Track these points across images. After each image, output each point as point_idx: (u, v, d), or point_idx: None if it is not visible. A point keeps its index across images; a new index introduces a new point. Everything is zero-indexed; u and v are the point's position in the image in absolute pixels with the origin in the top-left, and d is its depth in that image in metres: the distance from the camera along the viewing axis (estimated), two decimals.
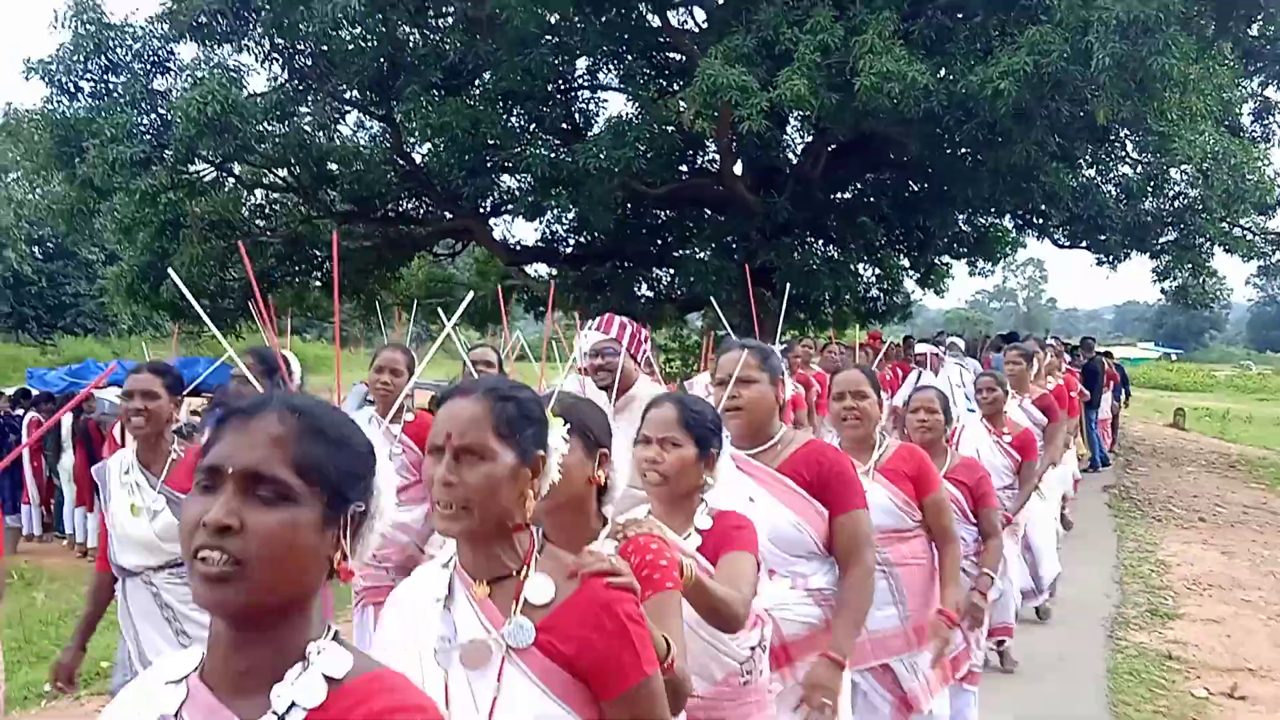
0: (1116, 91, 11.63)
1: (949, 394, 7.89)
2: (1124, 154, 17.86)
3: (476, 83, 15.03)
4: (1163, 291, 21.50)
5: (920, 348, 10.33)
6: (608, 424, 2.29)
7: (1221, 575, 8.82)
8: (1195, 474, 17.06)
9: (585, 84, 17.40)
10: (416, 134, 14.23)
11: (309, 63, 15.19)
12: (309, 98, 15.31)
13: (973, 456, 5.46)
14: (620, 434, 2.36)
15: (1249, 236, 20.49)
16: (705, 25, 15.72)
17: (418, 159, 16.41)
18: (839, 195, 19.05)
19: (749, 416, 3.17)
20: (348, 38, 14.34)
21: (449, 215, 16.94)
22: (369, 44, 14.53)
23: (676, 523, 2.62)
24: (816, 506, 3.11)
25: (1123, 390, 16.89)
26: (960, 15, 13.77)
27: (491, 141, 14.60)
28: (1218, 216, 18.46)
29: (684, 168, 17.51)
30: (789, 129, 18.26)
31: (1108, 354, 17.82)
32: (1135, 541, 10.32)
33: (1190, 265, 20.17)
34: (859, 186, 19.60)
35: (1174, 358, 73.81)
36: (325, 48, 14.24)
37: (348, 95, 15.45)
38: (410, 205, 17.91)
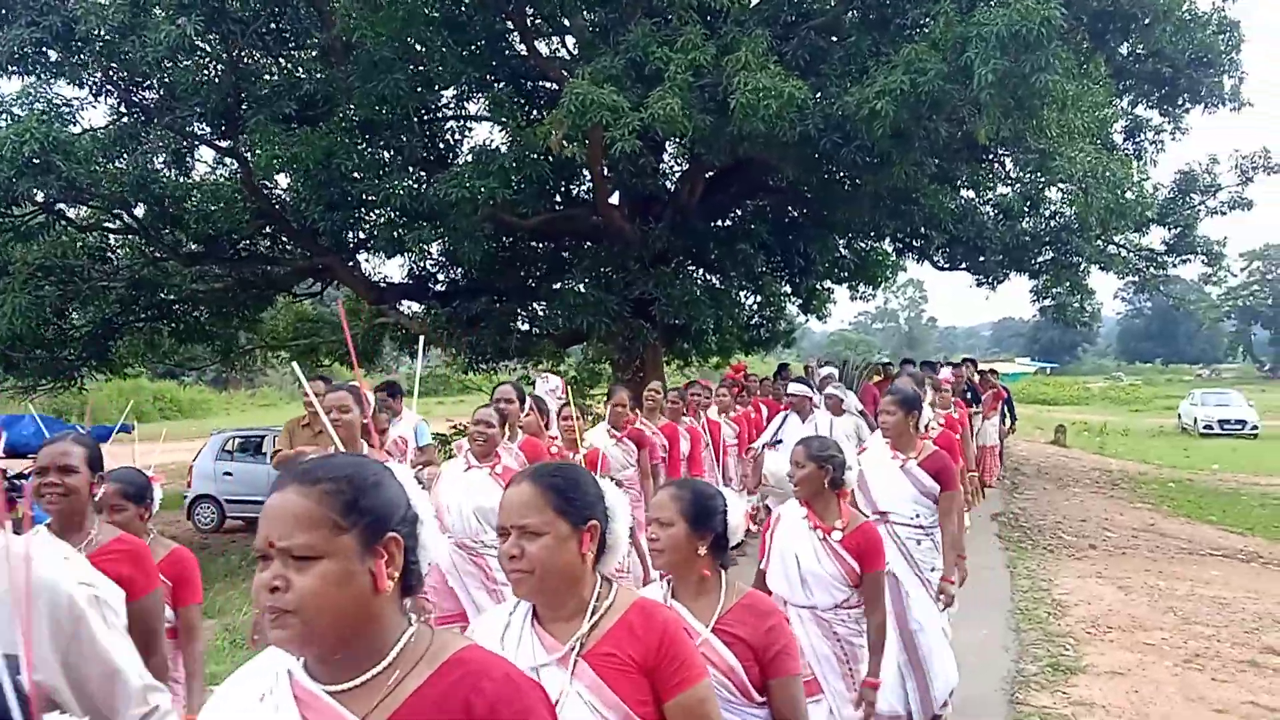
0: (997, 109, 11.30)
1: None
2: (1002, 174, 17.74)
3: (334, 114, 14.07)
4: (1041, 310, 21.61)
5: (793, 388, 9.47)
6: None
7: (1121, 615, 8.41)
8: (1081, 495, 16.98)
9: (450, 113, 16.59)
10: (264, 168, 13.19)
11: (150, 95, 14.12)
12: (150, 132, 14.18)
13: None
14: None
15: (1123, 253, 20.70)
16: (575, 52, 15.10)
17: (273, 195, 15.40)
18: (718, 223, 18.57)
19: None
20: (191, 66, 13.32)
21: (307, 253, 15.93)
22: (212, 74, 13.52)
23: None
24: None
25: (1008, 411, 16.66)
26: (834, 36, 13.39)
27: (349, 174, 13.71)
28: (1094, 235, 18.53)
29: (558, 198, 16.82)
30: (666, 156, 17.75)
31: (992, 372, 17.62)
32: (1029, 579, 9.89)
33: (1067, 284, 20.29)
34: (738, 213, 19.16)
35: (1049, 371, 75.74)
36: (167, 79, 13.22)
37: (192, 129, 14.37)
38: (265, 244, 16.83)
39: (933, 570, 5.38)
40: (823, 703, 4.11)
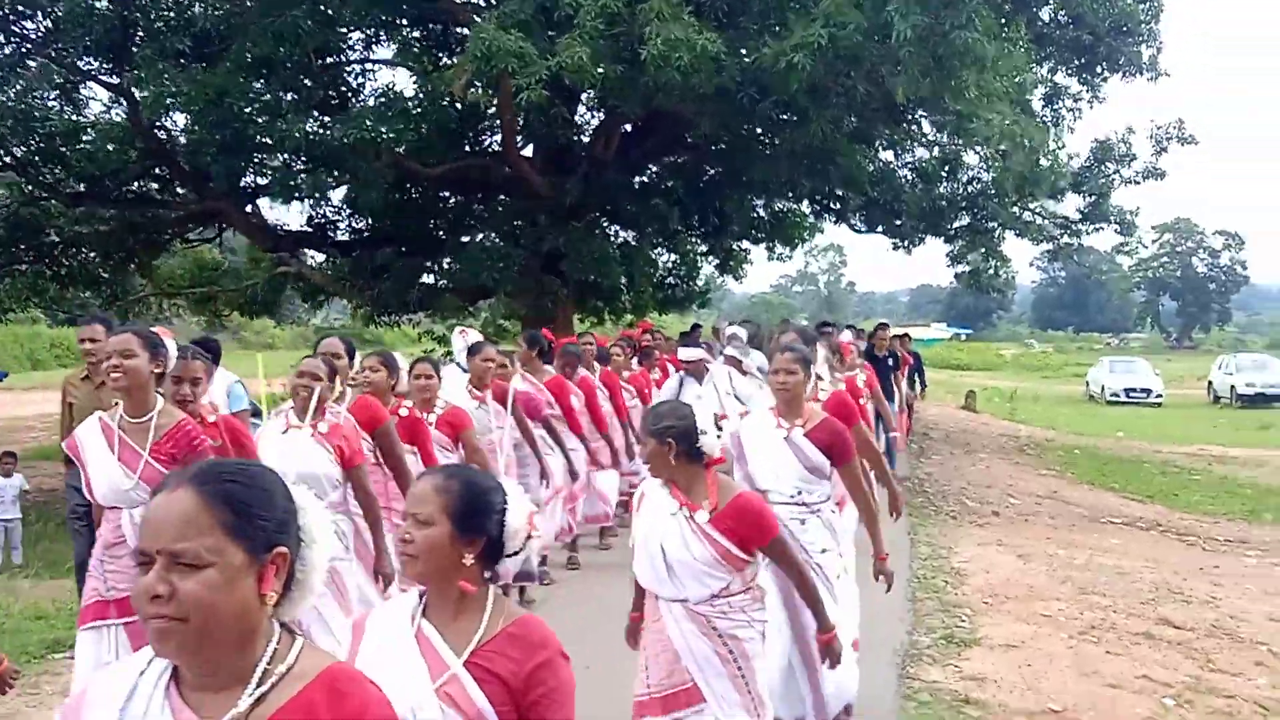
0: (916, 68, 11.04)
1: (718, 403, 6.85)
2: (921, 136, 17.56)
3: (230, 52, 13.33)
4: (956, 276, 21.61)
5: (684, 353, 8.98)
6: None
7: (1019, 584, 8.29)
8: (987, 460, 17.02)
9: (356, 56, 15.89)
10: (151, 106, 12.47)
11: (31, 25, 13.30)
12: (31, 65, 13.34)
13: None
14: None
15: (1038, 221, 20.74)
16: None
17: (166, 136, 14.64)
18: (634, 179, 18.17)
19: None
20: None
21: (199, 197, 15.20)
22: (101, 5, 12.73)
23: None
24: None
25: (917, 377, 16.57)
26: None
27: (244, 115, 13.01)
28: (1010, 201, 18.50)
29: (467, 147, 16.28)
30: (581, 108, 17.29)
31: (904, 336, 17.53)
32: (929, 546, 9.77)
33: (983, 250, 20.28)
34: (654, 169, 18.81)
35: (964, 338, 76.85)
36: (52, 8, 12.44)
37: (78, 64, 13.56)
38: (155, 187, 16.04)
39: (824, 552, 4.78)
40: (706, 713, 3.67)
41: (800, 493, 4.76)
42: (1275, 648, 7.09)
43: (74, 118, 14.20)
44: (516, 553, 2.39)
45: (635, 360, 10.73)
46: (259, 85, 13.46)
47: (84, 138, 13.78)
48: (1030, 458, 18.26)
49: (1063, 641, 6.81)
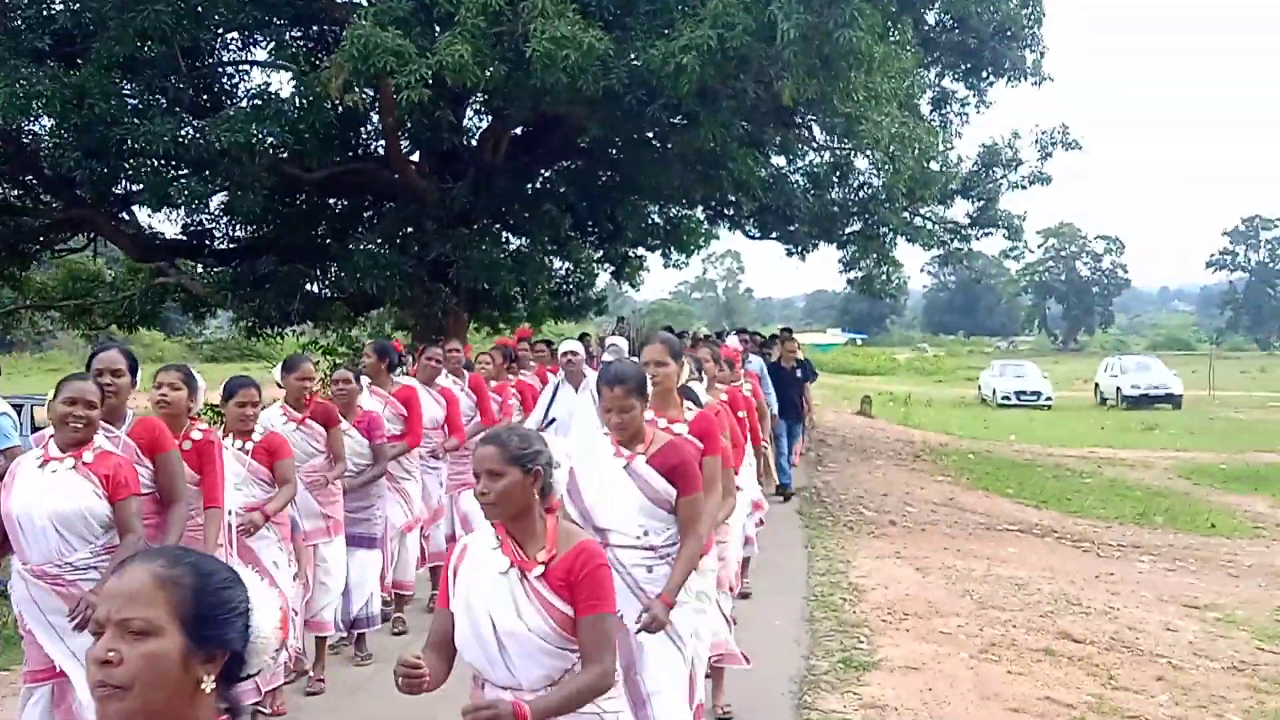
0: (802, 69, 10.83)
1: (593, 414, 6.34)
2: (811, 139, 17.43)
3: (92, 51, 12.51)
4: (849, 281, 21.59)
5: (564, 345, 8.47)
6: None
7: (918, 600, 8.07)
8: (884, 467, 16.96)
9: (228, 56, 15.15)
10: (3, 108, 11.63)
11: None
12: None
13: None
14: None
15: (929, 226, 20.82)
16: None
17: (24, 140, 13.75)
18: (526, 185, 17.71)
19: None
20: None
21: (62, 205, 14.32)
22: None
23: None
24: None
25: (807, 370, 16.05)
26: None
27: (106, 118, 12.21)
28: (901, 206, 18.51)
29: (350, 151, 15.66)
30: (469, 113, 16.80)
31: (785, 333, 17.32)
32: (826, 559, 9.52)
33: (875, 255, 20.27)
34: (545, 175, 18.38)
35: (859, 343, 77.76)
36: None
37: None
38: (15, 194, 15.09)
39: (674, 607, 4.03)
40: None
41: (646, 533, 3.99)
42: (1175, 660, 6.97)
43: None
44: (257, 673, 1.81)
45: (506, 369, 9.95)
46: (126, 86, 12.70)
47: None
48: (926, 463, 18.27)
49: (963, 662, 6.57)
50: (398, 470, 7.12)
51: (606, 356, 8.17)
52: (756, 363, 12.06)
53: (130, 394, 4.71)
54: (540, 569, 2.90)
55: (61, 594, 4.17)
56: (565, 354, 8.33)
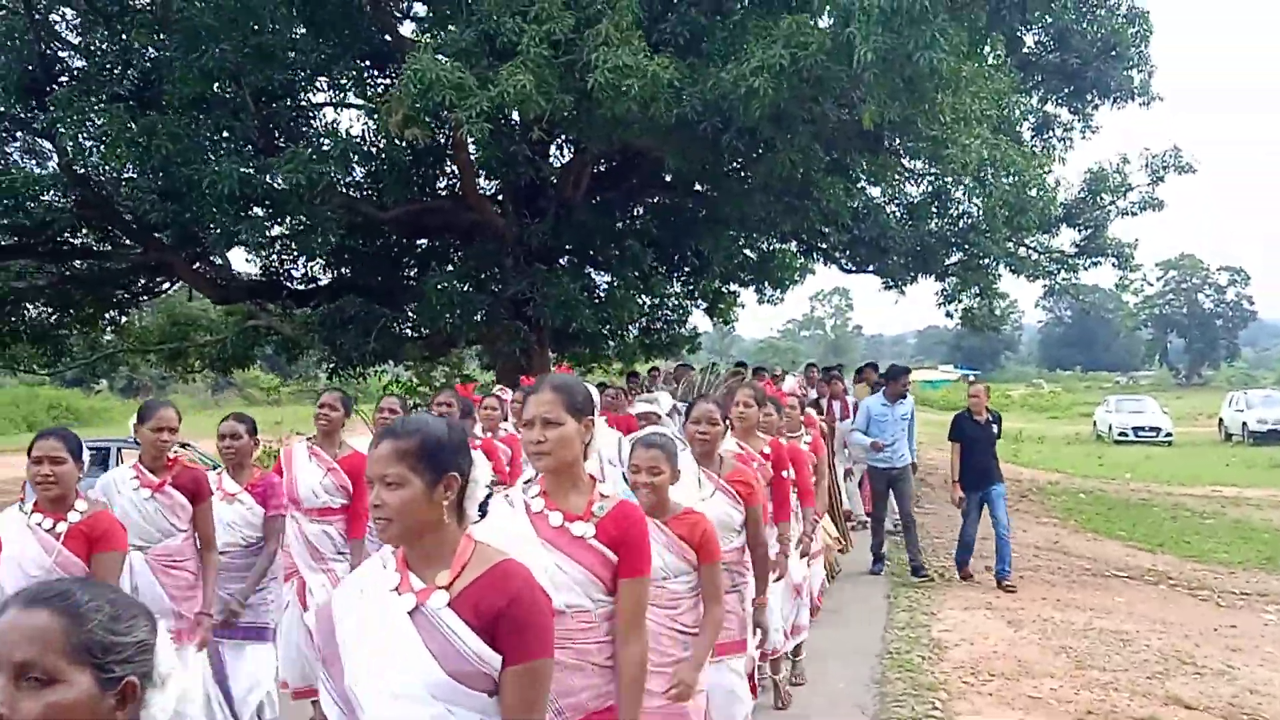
0: (883, 91, 10.22)
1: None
2: (901, 168, 16.72)
3: (163, 93, 12.49)
4: (949, 314, 20.77)
5: (639, 407, 7.07)
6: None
7: (1006, 658, 7.32)
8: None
9: (297, 93, 15.12)
10: (72, 151, 11.66)
11: None
12: None
13: None
14: None
15: (1034, 256, 19.91)
16: (428, 25, 13.83)
17: (101, 183, 13.84)
18: (610, 221, 17.35)
19: None
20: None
21: (139, 248, 14.37)
22: (16, 40, 12.00)
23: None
24: None
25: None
26: (718, 14, 12.24)
27: (176, 159, 12.13)
28: (1002, 235, 17.67)
29: (427, 189, 15.51)
30: (552, 149, 16.54)
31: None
32: (908, 611, 8.79)
33: (977, 287, 19.47)
34: (630, 210, 18.02)
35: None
36: None
37: None
38: (94, 237, 15.21)
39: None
40: None
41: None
42: None
43: None
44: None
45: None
46: (195, 127, 12.70)
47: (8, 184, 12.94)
48: (1032, 504, 17.28)
49: None
50: (327, 548, 5.69)
51: (638, 406, 7.35)
52: (868, 405, 11.13)
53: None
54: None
55: None
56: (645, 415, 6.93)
